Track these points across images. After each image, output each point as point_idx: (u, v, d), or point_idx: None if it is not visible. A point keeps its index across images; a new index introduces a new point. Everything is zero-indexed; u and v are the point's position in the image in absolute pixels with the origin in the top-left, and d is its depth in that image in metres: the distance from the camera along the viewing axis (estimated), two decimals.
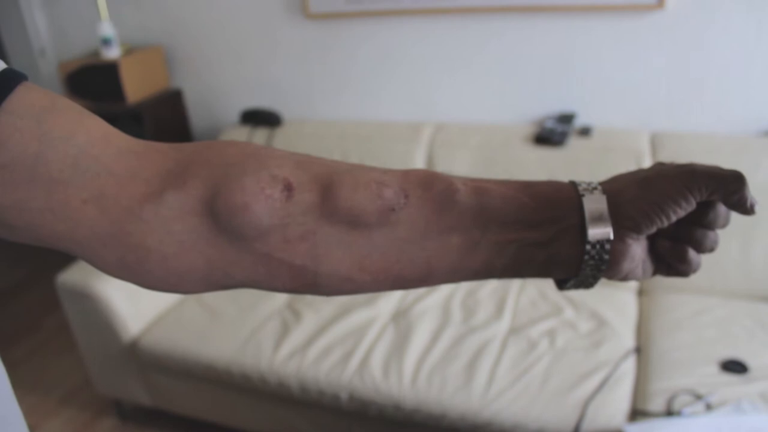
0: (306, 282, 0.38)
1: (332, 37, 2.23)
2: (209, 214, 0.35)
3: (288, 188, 0.36)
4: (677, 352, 1.51)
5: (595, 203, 0.39)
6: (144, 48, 2.42)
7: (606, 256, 0.39)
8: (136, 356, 1.78)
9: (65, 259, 1.89)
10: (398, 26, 2.13)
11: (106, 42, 2.26)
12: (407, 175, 0.39)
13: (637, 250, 0.40)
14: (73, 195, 0.34)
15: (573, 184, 0.40)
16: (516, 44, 2.02)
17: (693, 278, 1.79)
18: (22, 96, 0.33)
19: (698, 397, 1.36)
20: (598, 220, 0.39)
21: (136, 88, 2.31)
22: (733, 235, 1.67)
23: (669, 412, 1.34)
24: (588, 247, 0.39)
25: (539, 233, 0.39)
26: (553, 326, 1.63)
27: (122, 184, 0.35)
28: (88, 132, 0.35)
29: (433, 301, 1.77)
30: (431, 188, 0.39)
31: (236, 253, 0.37)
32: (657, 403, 1.37)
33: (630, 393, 1.43)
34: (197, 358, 1.68)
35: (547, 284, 1.81)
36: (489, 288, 1.81)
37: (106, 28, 2.26)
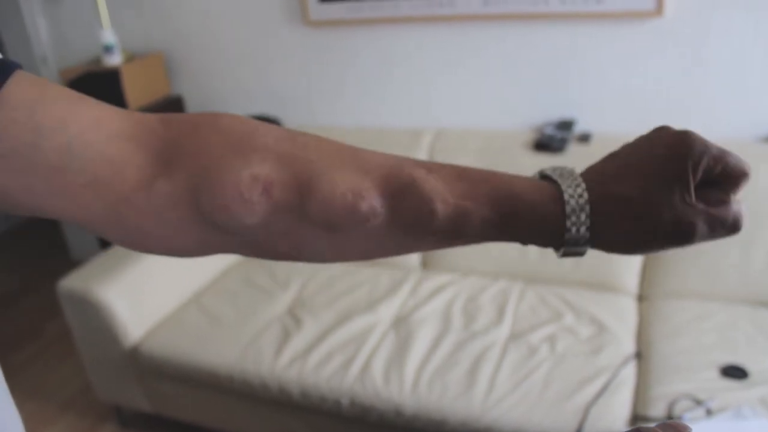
0: (290, 259, 0.41)
1: (332, 44, 2.24)
2: (196, 207, 0.37)
3: (267, 190, 0.37)
4: (677, 357, 1.51)
5: (575, 249, 0.40)
6: (145, 55, 2.43)
7: (584, 250, 0.40)
8: (136, 362, 1.78)
9: (66, 264, 1.90)
10: (398, 33, 2.14)
11: (107, 49, 2.27)
12: (388, 181, 0.38)
13: None
14: (72, 180, 0.35)
15: (561, 208, 0.38)
16: (515, 51, 2.03)
17: (693, 283, 1.79)
18: (15, 86, 0.34)
19: (698, 402, 1.36)
20: (575, 247, 0.40)
21: (137, 94, 2.32)
22: (733, 240, 1.67)
23: (669, 418, 1.34)
24: (562, 252, 0.41)
25: (516, 239, 0.41)
26: (553, 332, 1.63)
27: (116, 168, 0.36)
28: (80, 119, 0.35)
29: (434, 307, 1.77)
30: (409, 200, 0.38)
31: (225, 238, 0.39)
32: (657, 409, 1.37)
33: (630, 398, 1.43)
34: (198, 364, 1.68)
35: (548, 290, 1.81)
36: (489, 294, 1.81)
37: (108, 36, 2.27)
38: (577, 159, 1.88)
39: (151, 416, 1.95)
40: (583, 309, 1.71)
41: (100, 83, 2.29)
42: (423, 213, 0.38)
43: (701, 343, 1.55)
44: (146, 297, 1.83)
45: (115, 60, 2.29)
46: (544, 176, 0.41)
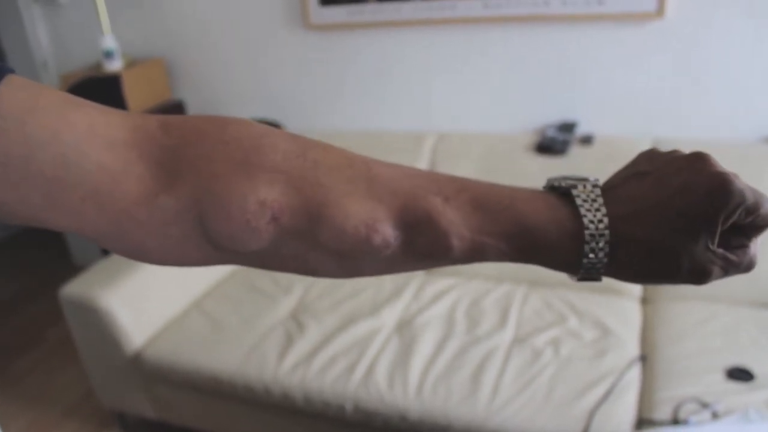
0: (300, 274, 0.40)
1: (333, 48, 2.24)
2: (201, 228, 0.36)
3: (276, 216, 0.35)
4: (682, 360, 1.50)
5: (591, 275, 0.39)
6: (145, 60, 2.43)
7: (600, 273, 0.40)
8: (139, 368, 1.77)
9: (69, 271, 1.89)
10: (399, 37, 2.14)
11: (108, 54, 2.27)
12: (403, 214, 0.37)
13: None
14: (70, 193, 0.33)
15: (580, 243, 0.37)
16: (516, 54, 2.03)
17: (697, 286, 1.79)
18: (6, 93, 0.32)
19: (704, 405, 1.35)
20: (591, 279, 0.39)
21: (138, 100, 2.32)
22: None
23: (675, 421, 1.33)
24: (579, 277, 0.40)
25: (532, 264, 0.41)
26: (557, 335, 1.62)
27: (115, 179, 0.34)
28: (74, 127, 0.33)
29: (437, 311, 1.77)
30: (425, 235, 0.37)
31: (231, 257, 0.38)
32: (663, 412, 1.36)
33: (635, 402, 1.43)
34: (201, 370, 1.67)
35: (551, 293, 1.80)
36: (493, 298, 1.81)
37: (108, 41, 2.27)
38: (580, 161, 1.88)
39: (154, 422, 1.95)
40: (587, 312, 1.70)
41: (100, 88, 2.28)
42: (438, 248, 0.37)
43: (706, 345, 1.54)
44: (148, 303, 1.82)
45: (115, 65, 2.29)
46: (563, 189, 0.39)
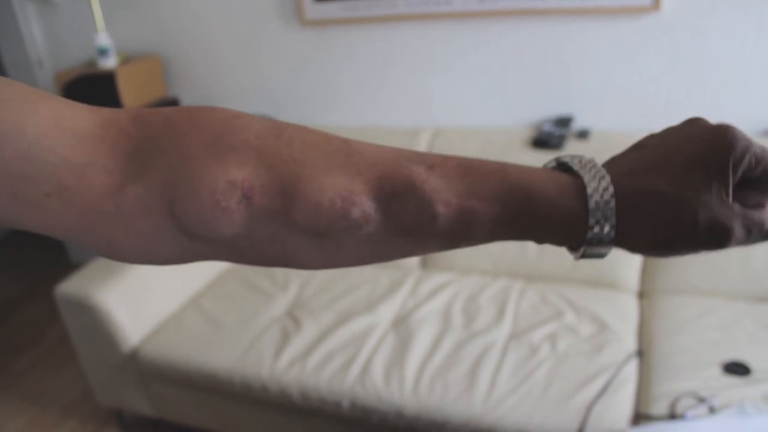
0: (279, 266, 0.37)
1: (328, 44, 2.23)
2: (172, 216, 0.34)
3: (247, 195, 0.33)
4: (679, 354, 1.50)
5: (598, 251, 0.35)
6: (140, 57, 2.42)
7: (606, 251, 0.36)
8: (136, 366, 1.77)
9: (65, 269, 1.89)
10: (394, 32, 2.13)
11: (102, 52, 2.27)
12: (382, 183, 0.34)
13: None
14: (35, 189, 0.32)
15: (585, 211, 0.34)
16: (512, 48, 2.02)
17: (694, 280, 1.78)
18: None
19: (701, 399, 1.35)
20: (597, 247, 0.35)
21: (133, 97, 2.31)
22: None
23: (672, 416, 1.33)
24: (581, 253, 0.37)
25: (529, 238, 0.37)
26: (554, 330, 1.62)
27: (81, 174, 0.33)
28: (38, 121, 0.32)
29: (434, 306, 1.76)
30: (407, 204, 0.34)
31: (206, 247, 0.35)
32: (660, 407, 1.36)
33: (633, 397, 1.42)
34: (198, 367, 1.67)
35: (548, 288, 1.80)
36: (489, 293, 1.81)
37: (103, 38, 2.26)
38: None
39: (153, 420, 1.95)
40: (584, 307, 1.70)
41: (95, 86, 2.28)
42: (423, 217, 0.34)
43: (703, 340, 1.54)
44: (145, 300, 1.82)
45: (110, 63, 2.28)
46: (561, 164, 0.37)
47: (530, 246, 1.87)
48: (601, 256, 0.36)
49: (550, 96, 2.04)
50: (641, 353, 1.55)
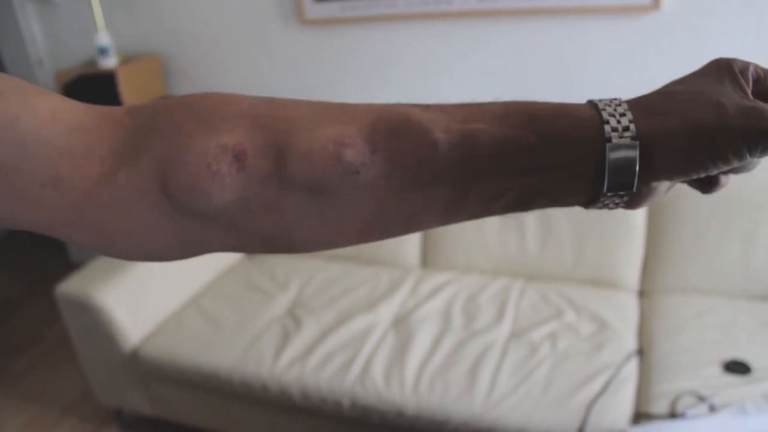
0: (281, 248, 0.36)
1: (328, 43, 2.23)
2: (164, 193, 0.33)
3: (239, 158, 0.32)
4: (680, 353, 1.50)
5: (623, 153, 0.31)
6: (141, 57, 2.42)
7: (624, 201, 0.34)
8: (136, 366, 1.77)
9: (65, 269, 1.89)
10: (393, 31, 2.13)
11: (102, 51, 2.26)
12: (376, 125, 0.33)
13: (664, 184, 0.34)
14: (30, 181, 0.32)
15: (597, 116, 0.32)
16: (511, 48, 2.02)
17: (694, 279, 1.78)
18: None
19: (701, 398, 1.35)
20: (621, 173, 0.32)
21: (133, 97, 2.31)
22: (735, 234, 1.67)
23: (672, 415, 1.33)
24: (601, 201, 0.34)
25: (542, 179, 0.33)
26: (554, 330, 1.62)
27: (77, 164, 0.32)
28: (34, 113, 0.32)
29: (434, 306, 1.76)
30: (405, 139, 0.33)
31: (202, 227, 0.34)
32: (660, 406, 1.36)
33: (633, 396, 1.43)
34: (198, 367, 1.67)
35: (548, 287, 1.80)
36: (489, 292, 1.81)
37: (103, 38, 2.26)
38: None
39: (153, 419, 1.95)
40: (584, 306, 1.70)
41: (95, 86, 2.27)
42: (422, 149, 0.32)
43: (703, 339, 1.54)
44: (145, 300, 1.82)
45: (110, 62, 2.28)
46: None
47: (530, 245, 1.87)
48: (628, 186, 0.32)
49: (549, 95, 2.02)
50: (641, 352, 1.55)
